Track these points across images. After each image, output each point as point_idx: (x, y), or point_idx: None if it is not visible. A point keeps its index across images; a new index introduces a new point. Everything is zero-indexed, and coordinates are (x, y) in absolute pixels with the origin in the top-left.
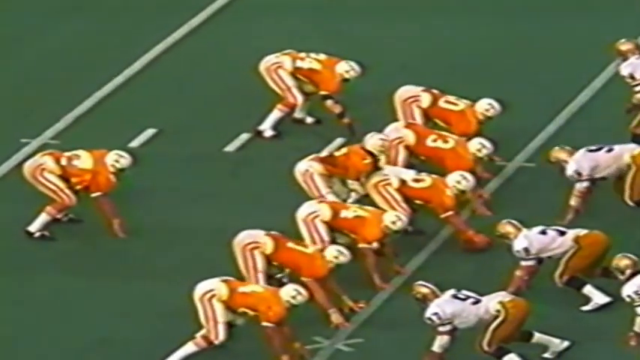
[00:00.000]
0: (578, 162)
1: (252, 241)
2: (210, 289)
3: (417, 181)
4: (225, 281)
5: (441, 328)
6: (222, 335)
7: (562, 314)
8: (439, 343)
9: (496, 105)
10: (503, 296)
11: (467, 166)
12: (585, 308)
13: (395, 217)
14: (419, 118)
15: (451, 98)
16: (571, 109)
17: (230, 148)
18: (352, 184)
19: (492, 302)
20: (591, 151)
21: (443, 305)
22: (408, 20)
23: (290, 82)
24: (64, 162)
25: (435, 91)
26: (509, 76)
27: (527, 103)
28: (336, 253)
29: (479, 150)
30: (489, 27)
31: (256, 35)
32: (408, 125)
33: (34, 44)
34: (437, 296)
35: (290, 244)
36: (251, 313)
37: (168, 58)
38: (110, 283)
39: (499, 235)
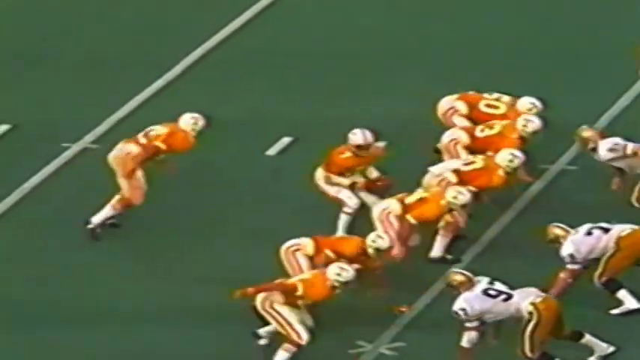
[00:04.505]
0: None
1: (294, 244)
2: (266, 295)
3: (468, 164)
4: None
5: (468, 324)
6: (305, 334)
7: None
8: (467, 338)
9: (538, 103)
10: (535, 296)
11: (514, 145)
12: (614, 312)
13: (456, 192)
14: (462, 122)
15: (491, 100)
16: (612, 113)
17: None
18: (335, 178)
19: (524, 303)
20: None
21: (472, 301)
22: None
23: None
24: (142, 140)
25: (471, 94)
26: (551, 77)
27: (569, 105)
28: (374, 243)
29: (511, 161)
30: (528, 23)
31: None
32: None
33: (73, 47)
34: (472, 284)
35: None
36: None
37: (209, 61)
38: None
39: (549, 240)
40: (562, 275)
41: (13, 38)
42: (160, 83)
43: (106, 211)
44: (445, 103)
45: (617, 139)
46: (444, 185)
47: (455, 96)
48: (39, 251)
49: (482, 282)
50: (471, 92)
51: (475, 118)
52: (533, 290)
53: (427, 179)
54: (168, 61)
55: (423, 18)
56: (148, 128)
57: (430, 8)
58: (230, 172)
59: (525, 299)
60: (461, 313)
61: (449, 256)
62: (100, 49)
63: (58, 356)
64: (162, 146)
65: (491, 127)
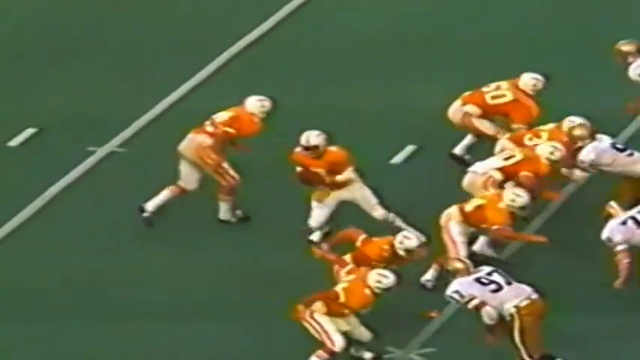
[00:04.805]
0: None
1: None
2: (311, 299)
3: (508, 158)
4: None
5: (471, 305)
6: (340, 342)
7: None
8: (485, 315)
9: (540, 77)
10: (524, 297)
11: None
12: None
13: (514, 195)
14: (482, 123)
15: (492, 91)
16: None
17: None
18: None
19: (509, 303)
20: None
21: (464, 284)
22: None
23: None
24: (210, 129)
25: (470, 93)
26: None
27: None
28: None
29: (551, 153)
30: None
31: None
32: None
33: (98, 50)
34: (469, 273)
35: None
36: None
37: (237, 63)
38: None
39: (604, 217)
40: (617, 258)
41: (38, 40)
42: (188, 85)
43: (224, 207)
44: (456, 112)
45: None
46: (490, 184)
47: (459, 102)
48: (66, 255)
49: (481, 271)
50: (467, 93)
51: (489, 113)
52: (527, 290)
53: (469, 180)
54: (197, 62)
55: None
56: (214, 115)
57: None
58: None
59: (513, 298)
60: (456, 296)
61: (493, 254)
62: (124, 52)
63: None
64: (231, 130)
65: (538, 136)
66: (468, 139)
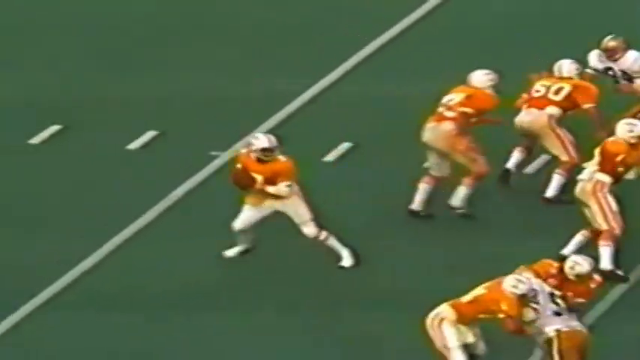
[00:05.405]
0: None
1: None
2: (437, 312)
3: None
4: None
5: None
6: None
7: None
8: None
9: (493, 75)
10: (568, 325)
11: None
12: None
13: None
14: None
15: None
16: None
17: None
18: None
19: (550, 327)
20: None
21: (540, 287)
22: None
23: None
24: (449, 114)
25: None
26: None
27: None
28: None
29: (630, 130)
30: None
31: None
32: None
33: (222, 54)
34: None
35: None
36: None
37: (363, 68)
38: None
39: None
40: None
41: (158, 39)
42: (315, 89)
43: (462, 192)
44: (540, 117)
45: None
46: (600, 188)
47: (538, 111)
48: (184, 260)
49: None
50: (525, 96)
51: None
52: (576, 323)
53: (580, 189)
54: (321, 69)
55: None
56: (445, 100)
57: None
58: None
59: (559, 323)
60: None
61: (620, 272)
62: (249, 57)
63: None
64: (470, 110)
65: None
66: (520, 154)
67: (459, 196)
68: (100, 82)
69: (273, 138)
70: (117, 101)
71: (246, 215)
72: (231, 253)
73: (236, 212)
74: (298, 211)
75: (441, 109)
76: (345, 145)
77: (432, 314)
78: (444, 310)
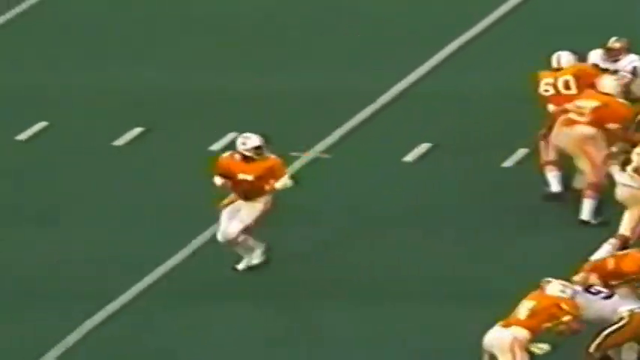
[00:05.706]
0: None
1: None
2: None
3: None
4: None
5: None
6: None
7: None
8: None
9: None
10: (637, 305)
11: None
12: None
13: None
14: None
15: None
16: None
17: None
18: None
19: (624, 307)
20: None
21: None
22: None
23: None
24: (581, 118)
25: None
26: None
27: None
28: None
29: None
30: None
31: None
32: None
33: (305, 54)
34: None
35: None
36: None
37: (443, 71)
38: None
39: None
40: None
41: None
42: (396, 90)
43: (588, 206)
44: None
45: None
46: None
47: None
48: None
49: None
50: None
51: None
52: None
53: (624, 194)
54: (402, 69)
55: None
56: (573, 105)
57: None
58: None
59: (625, 305)
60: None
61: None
62: (332, 60)
63: None
64: (604, 116)
65: None
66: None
67: (586, 211)
68: (179, 83)
69: (259, 137)
70: (199, 101)
71: (225, 222)
72: (241, 266)
73: (319, 213)
74: (250, 212)
75: (569, 114)
76: (424, 146)
77: (502, 335)
78: (517, 331)
